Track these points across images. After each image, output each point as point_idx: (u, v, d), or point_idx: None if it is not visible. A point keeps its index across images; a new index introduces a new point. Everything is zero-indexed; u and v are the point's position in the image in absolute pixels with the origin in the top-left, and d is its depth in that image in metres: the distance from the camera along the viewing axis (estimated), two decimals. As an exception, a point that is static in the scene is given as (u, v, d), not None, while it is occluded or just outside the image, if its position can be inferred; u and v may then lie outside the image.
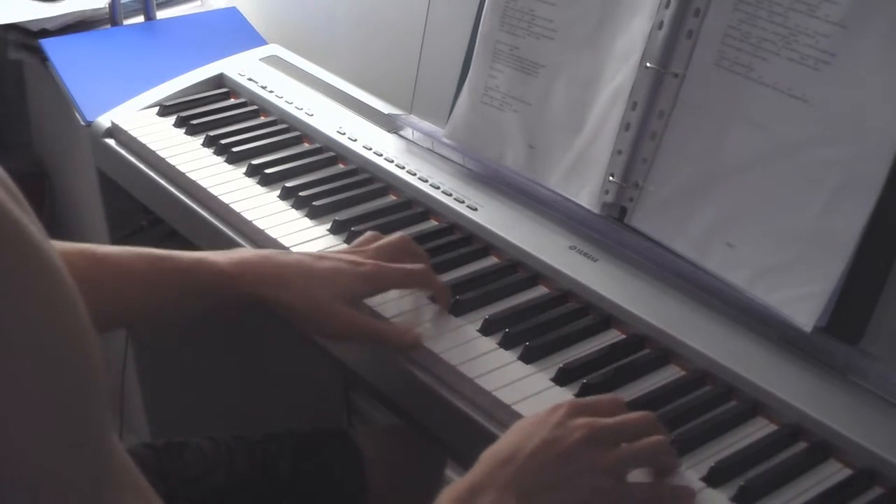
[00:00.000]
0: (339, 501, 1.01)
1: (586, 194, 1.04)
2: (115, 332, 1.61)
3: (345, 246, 1.05)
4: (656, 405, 0.85)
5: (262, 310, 0.91)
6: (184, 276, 0.89)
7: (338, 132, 1.26)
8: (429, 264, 0.96)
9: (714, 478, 0.78)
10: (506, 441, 0.72)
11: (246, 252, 0.93)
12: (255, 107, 1.37)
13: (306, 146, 1.27)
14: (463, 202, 1.11)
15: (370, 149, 1.22)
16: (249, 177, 1.20)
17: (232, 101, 1.39)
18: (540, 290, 1.01)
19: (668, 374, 0.90)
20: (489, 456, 0.71)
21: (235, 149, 1.24)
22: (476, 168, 1.16)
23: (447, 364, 0.89)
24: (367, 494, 1.02)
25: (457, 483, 0.71)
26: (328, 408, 1.71)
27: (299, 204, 1.13)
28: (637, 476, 0.74)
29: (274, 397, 1.63)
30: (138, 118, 1.33)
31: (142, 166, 1.26)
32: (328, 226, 1.10)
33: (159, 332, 1.58)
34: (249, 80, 1.40)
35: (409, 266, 0.94)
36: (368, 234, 0.99)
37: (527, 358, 0.90)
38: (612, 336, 0.94)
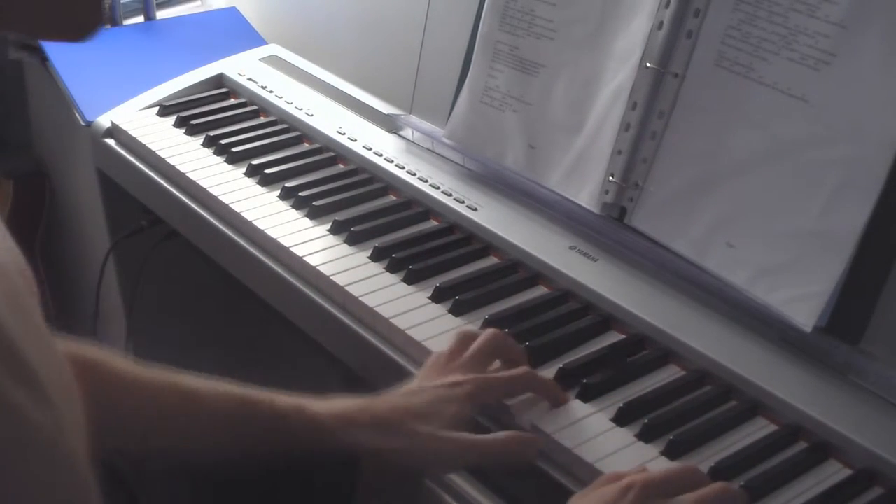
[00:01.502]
0: (330, 484, 1.02)
1: (586, 194, 1.04)
2: (115, 330, 1.62)
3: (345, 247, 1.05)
4: (656, 405, 0.85)
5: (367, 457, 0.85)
6: (276, 422, 0.84)
7: (338, 132, 1.26)
8: (526, 359, 0.89)
9: (714, 478, 0.77)
10: None
11: (346, 403, 0.86)
12: (254, 107, 1.37)
13: (306, 146, 1.27)
14: (463, 202, 1.11)
15: (370, 149, 1.22)
16: (249, 177, 1.20)
17: (232, 101, 1.39)
18: (540, 290, 1.01)
19: (668, 374, 0.90)
20: None
21: (235, 149, 1.24)
22: (476, 168, 1.16)
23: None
24: (358, 476, 1.02)
25: None
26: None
27: (299, 204, 1.13)
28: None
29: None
30: (138, 118, 1.33)
31: (142, 166, 1.26)
32: (328, 226, 1.10)
33: (159, 331, 1.58)
34: (249, 80, 1.40)
35: (511, 373, 0.87)
36: (460, 335, 0.90)
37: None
38: (612, 336, 0.94)
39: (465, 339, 0.89)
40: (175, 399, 0.84)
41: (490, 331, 0.89)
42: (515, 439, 0.82)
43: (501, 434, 0.83)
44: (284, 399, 0.85)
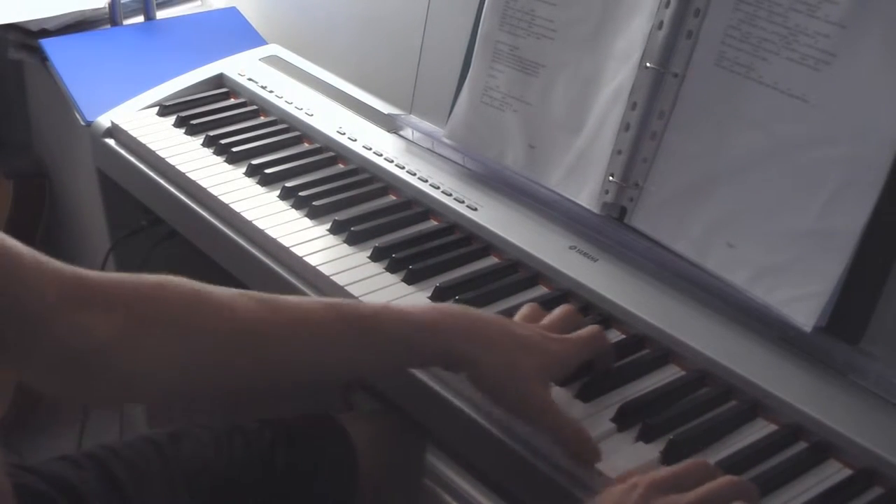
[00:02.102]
0: (331, 484, 1.02)
1: (586, 194, 1.04)
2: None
3: (345, 247, 1.05)
4: (656, 405, 0.85)
5: (450, 370, 0.84)
6: (366, 321, 0.81)
7: (338, 132, 1.26)
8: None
9: (714, 478, 0.78)
10: None
11: (438, 304, 0.84)
12: (254, 107, 1.37)
13: (306, 146, 1.27)
14: (463, 202, 1.11)
15: (370, 149, 1.22)
16: (249, 177, 1.20)
17: (232, 101, 1.39)
18: (540, 290, 1.01)
19: (668, 374, 0.90)
20: None
21: (235, 149, 1.24)
22: (476, 168, 1.16)
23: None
24: (357, 476, 1.02)
25: None
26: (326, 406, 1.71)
27: (299, 204, 1.13)
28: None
29: (272, 397, 1.62)
30: (138, 118, 1.33)
31: (142, 166, 1.26)
32: (328, 226, 1.10)
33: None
34: (249, 80, 1.40)
35: (588, 334, 0.86)
36: (530, 307, 0.90)
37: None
38: (613, 336, 0.94)
39: (535, 311, 0.90)
40: (267, 311, 0.80)
41: (565, 305, 0.90)
42: (580, 437, 0.80)
43: (575, 422, 0.81)
44: (369, 303, 0.82)
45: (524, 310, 0.90)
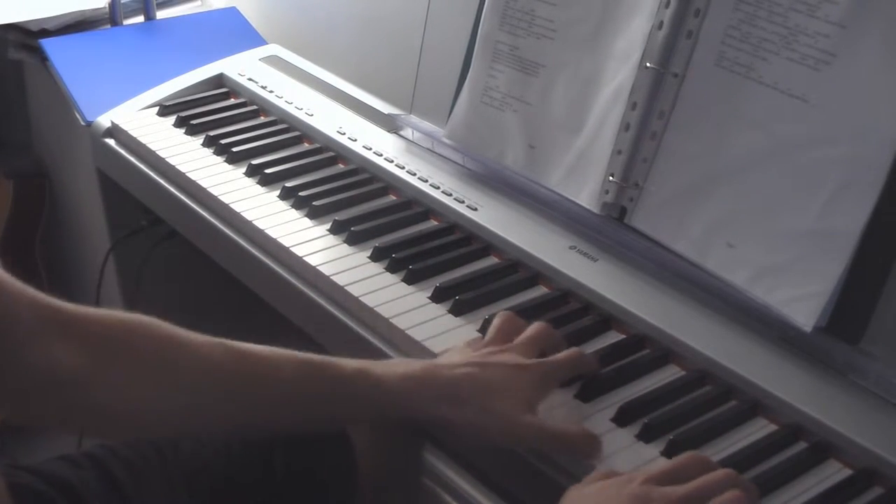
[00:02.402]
0: (330, 484, 1.02)
1: (586, 194, 1.04)
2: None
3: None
4: (656, 405, 0.85)
5: (428, 426, 0.86)
6: (340, 384, 0.83)
7: (338, 132, 1.26)
8: (566, 347, 0.90)
9: (714, 478, 0.78)
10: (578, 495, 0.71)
11: (409, 365, 0.85)
12: (255, 107, 1.37)
13: (306, 146, 1.27)
14: (463, 202, 1.11)
15: (370, 149, 1.22)
16: (249, 177, 1.20)
17: (232, 101, 1.39)
18: (540, 290, 1.01)
19: (668, 374, 0.90)
20: None
21: (235, 149, 1.24)
22: (476, 168, 1.16)
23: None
24: (356, 475, 1.02)
25: None
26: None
27: (299, 204, 1.13)
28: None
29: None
30: (138, 118, 1.33)
31: (142, 166, 1.26)
32: (328, 226, 1.10)
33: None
34: (249, 80, 1.40)
35: (568, 356, 0.87)
36: (501, 320, 0.90)
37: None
38: (612, 336, 0.94)
39: (511, 321, 0.90)
40: (233, 361, 0.81)
41: (539, 323, 0.90)
42: (583, 437, 0.81)
43: (572, 428, 0.82)
44: (347, 361, 0.84)
45: (498, 321, 0.90)
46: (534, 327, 0.89)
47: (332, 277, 1.01)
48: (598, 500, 0.71)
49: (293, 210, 1.13)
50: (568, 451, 0.81)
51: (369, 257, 1.05)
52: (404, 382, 0.83)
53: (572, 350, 0.88)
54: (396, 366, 0.86)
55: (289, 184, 1.16)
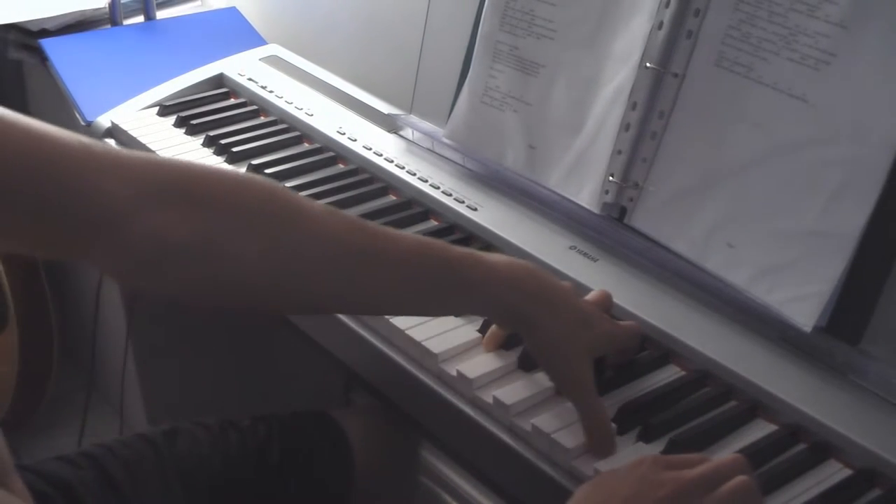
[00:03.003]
0: (326, 479, 1.02)
1: (586, 194, 1.04)
2: (115, 330, 1.62)
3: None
4: (656, 406, 0.85)
5: (508, 326, 0.86)
6: (447, 266, 0.81)
7: (338, 132, 1.26)
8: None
9: (714, 478, 0.78)
10: (588, 499, 0.71)
11: (516, 260, 0.85)
12: (255, 107, 1.37)
13: (306, 146, 1.27)
14: (463, 202, 1.11)
15: (370, 149, 1.22)
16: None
17: (232, 101, 1.39)
18: (540, 290, 1.01)
19: (668, 374, 0.90)
20: None
21: (235, 149, 1.24)
22: (476, 168, 1.16)
23: (447, 366, 0.89)
24: (353, 471, 1.02)
25: None
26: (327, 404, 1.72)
27: (299, 204, 1.13)
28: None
29: (273, 396, 1.63)
30: (138, 118, 1.33)
31: (142, 166, 1.26)
32: (328, 226, 1.09)
33: (159, 331, 1.58)
34: (249, 80, 1.40)
35: (632, 327, 0.89)
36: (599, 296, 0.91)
37: (525, 361, 0.90)
38: (612, 336, 0.94)
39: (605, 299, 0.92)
40: (349, 231, 0.79)
41: (602, 290, 0.92)
42: (605, 428, 0.80)
43: (605, 412, 0.81)
44: (457, 247, 0.83)
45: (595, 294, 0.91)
46: (600, 292, 0.92)
47: (332, 277, 1.01)
48: (608, 487, 0.71)
49: (293, 210, 1.13)
50: (595, 432, 0.80)
51: (369, 257, 1.05)
52: (509, 273, 0.82)
53: (634, 324, 0.90)
54: (503, 257, 0.85)
55: (289, 184, 1.16)
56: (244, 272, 0.76)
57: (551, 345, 0.82)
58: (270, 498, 0.99)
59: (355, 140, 1.24)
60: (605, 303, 0.91)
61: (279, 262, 0.76)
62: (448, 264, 0.82)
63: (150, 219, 0.71)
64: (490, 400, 0.85)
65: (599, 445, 0.80)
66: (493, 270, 0.82)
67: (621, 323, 0.90)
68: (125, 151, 0.74)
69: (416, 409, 0.93)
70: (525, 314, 0.82)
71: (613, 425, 0.82)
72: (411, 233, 0.83)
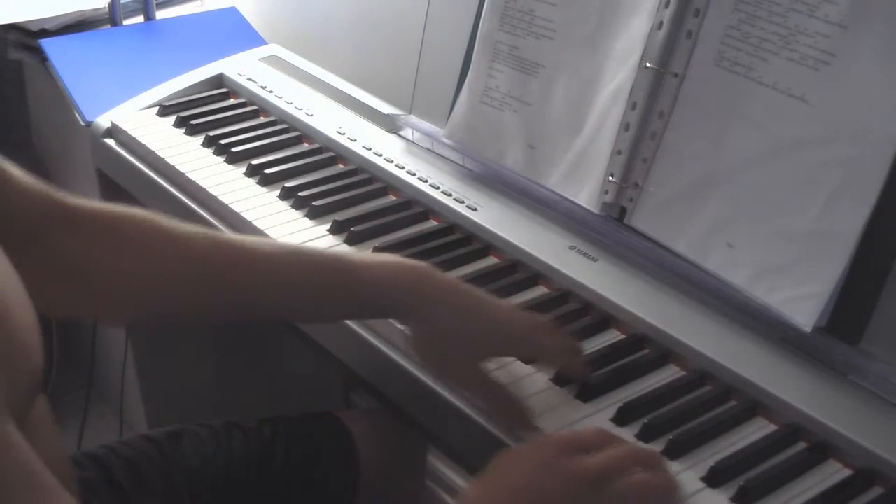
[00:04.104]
0: (331, 482, 1.02)
1: (586, 194, 1.04)
2: (114, 330, 1.61)
3: (345, 247, 1.05)
4: (656, 405, 0.85)
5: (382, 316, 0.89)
6: (315, 268, 0.85)
7: (337, 132, 1.26)
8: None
9: (714, 478, 0.78)
10: (489, 484, 0.70)
11: (390, 257, 0.88)
12: (254, 107, 1.37)
13: (306, 146, 1.27)
14: (463, 202, 1.11)
15: (370, 149, 1.22)
16: (249, 177, 1.20)
17: (232, 101, 1.39)
18: (540, 290, 1.01)
19: (668, 374, 0.90)
20: (473, 499, 0.71)
21: (235, 149, 1.24)
22: (476, 168, 1.16)
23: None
24: (359, 475, 1.02)
25: None
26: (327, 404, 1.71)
27: (299, 204, 1.13)
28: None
29: (274, 394, 1.63)
30: (138, 118, 1.33)
31: (141, 166, 1.26)
32: (328, 226, 1.10)
33: (159, 330, 1.58)
34: (249, 80, 1.40)
35: (558, 345, 0.87)
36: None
37: (526, 360, 0.90)
38: (612, 336, 0.94)
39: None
40: (211, 247, 0.84)
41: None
42: (515, 410, 0.83)
43: (516, 397, 0.83)
44: (330, 251, 0.89)
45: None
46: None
47: (332, 277, 1.01)
48: (503, 472, 0.71)
49: (293, 210, 1.13)
50: (503, 413, 0.83)
51: (369, 257, 1.05)
52: (382, 270, 0.84)
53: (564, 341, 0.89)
54: (378, 257, 0.89)
55: (289, 184, 1.16)
56: (125, 290, 0.83)
57: (428, 338, 0.84)
58: (275, 499, 0.99)
59: (355, 140, 1.24)
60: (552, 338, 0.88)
61: (152, 281, 0.83)
62: (318, 267, 0.85)
63: (55, 241, 0.80)
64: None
65: (517, 424, 0.82)
66: (366, 268, 0.84)
67: (571, 342, 0.88)
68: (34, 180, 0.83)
69: (417, 411, 0.93)
70: (402, 308, 0.84)
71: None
72: (278, 242, 0.90)
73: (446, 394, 0.88)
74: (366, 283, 0.84)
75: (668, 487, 0.72)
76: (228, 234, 0.87)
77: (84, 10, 1.64)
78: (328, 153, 1.25)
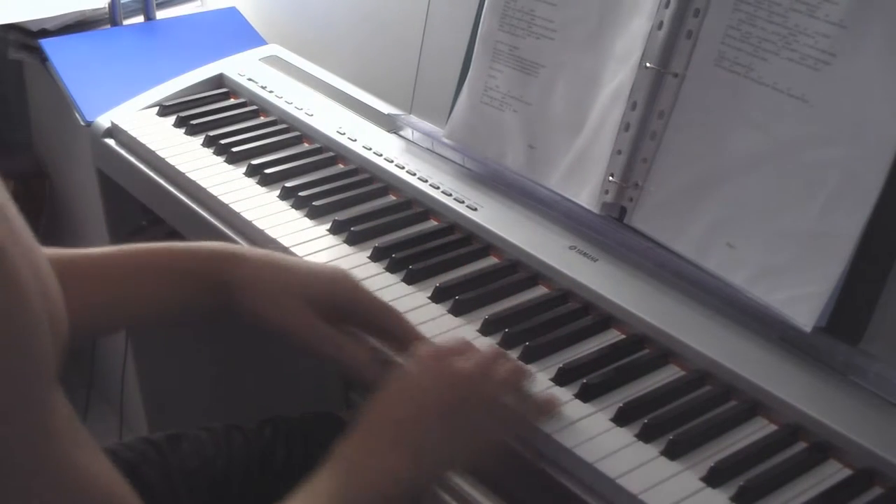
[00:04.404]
0: None
1: (586, 194, 1.04)
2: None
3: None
4: (656, 405, 0.85)
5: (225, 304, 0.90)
6: (174, 261, 0.89)
7: (338, 132, 1.26)
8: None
9: (714, 478, 0.78)
10: (396, 395, 0.78)
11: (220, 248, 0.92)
12: (254, 107, 1.36)
13: (306, 146, 1.27)
14: (463, 202, 1.11)
15: (370, 149, 1.22)
16: (249, 177, 1.20)
17: (232, 101, 1.39)
18: (540, 290, 1.01)
19: (668, 374, 0.90)
20: (380, 413, 0.77)
21: (235, 149, 1.24)
22: (476, 168, 1.16)
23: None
24: None
25: (349, 441, 0.75)
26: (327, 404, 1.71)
27: (299, 204, 1.13)
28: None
29: (274, 394, 1.63)
30: (138, 118, 1.33)
31: (142, 166, 1.26)
32: (328, 226, 1.10)
33: (158, 330, 1.58)
34: (249, 80, 1.40)
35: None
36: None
37: (527, 358, 0.90)
38: (612, 336, 0.94)
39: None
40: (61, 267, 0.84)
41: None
42: (363, 362, 0.88)
43: (357, 350, 0.88)
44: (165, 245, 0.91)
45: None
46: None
47: (332, 277, 1.01)
48: (408, 379, 0.79)
49: (293, 210, 1.13)
50: (343, 367, 0.88)
51: (369, 257, 1.05)
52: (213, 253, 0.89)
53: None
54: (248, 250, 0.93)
55: (289, 184, 1.16)
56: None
57: (257, 301, 0.87)
58: (275, 500, 0.99)
59: (355, 140, 1.24)
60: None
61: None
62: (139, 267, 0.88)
63: None
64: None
65: (363, 374, 0.87)
66: (189, 257, 0.89)
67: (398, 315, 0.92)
68: None
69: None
70: (223, 286, 0.87)
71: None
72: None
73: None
74: (191, 270, 0.88)
75: (522, 373, 0.83)
76: (72, 252, 0.88)
77: (84, 10, 1.64)
78: (328, 153, 1.25)
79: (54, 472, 0.57)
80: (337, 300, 0.89)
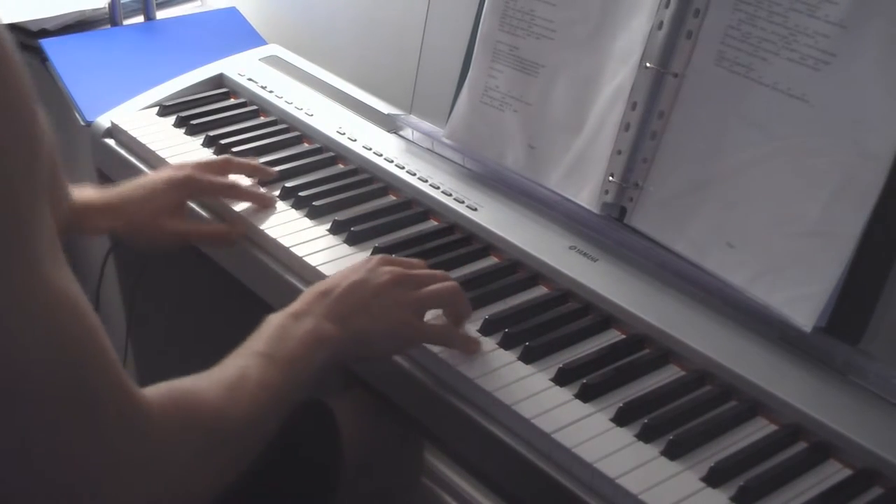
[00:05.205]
0: (313, 470, 1.01)
1: (586, 194, 1.04)
2: (114, 330, 1.61)
3: (345, 247, 1.06)
4: (656, 405, 0.85)
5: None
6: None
7: (338, 132, 1.26)
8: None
9: (714, 478, 0.78)
10: (324, 281, 0.88)
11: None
12: (254, 107, 1.36)
13: (306, 146, 1.27)
14: (463, 202, 1.11)
15: (370, 149, 1.22)
16: (249, 177, 1.20)
17: (232, 101, 1.39)
18: (540, 290, 1.01)
19: (668, 374, 0.90)
20: (310, 292, 0.86)
21: (235, 149, 1.24)
22: (476, 168, 1.16)
23: (447, 365, 0.89)
24: (342, 465, 1.02)
25: (279, 312, 0.83)
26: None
27: (299, 204, 1.13)
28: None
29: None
30: (138, 118, 1.33)
31: (142, 166, 1.26)
32: (328, 226, 1.10)
33: (159, 331, 1.58)
34: (249, 80, 1.40)
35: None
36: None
37: (527, 358, 0.90)
38: (612, 336, 0.94)
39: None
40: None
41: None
42: (220, 233, 1.09)
43: (213, 226, 1.09)
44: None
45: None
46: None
47: (332, 277, 1.01)
48: (348, 269, 0.89)
49: (293, 210, 1.13)
50: (206, 243, 1.08)
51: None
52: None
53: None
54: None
55: (289, 184, 1.16)
56: None
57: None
58: (254, 485, 0.99)
59: (355, 140, 1.24)
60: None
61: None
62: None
63: None
64: (489, 399, 0.85)
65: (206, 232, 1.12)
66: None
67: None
68: None
69: (413, 407, 0.93)
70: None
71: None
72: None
73: (460, 404, 0.87)
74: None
75: (466, 303, 0.91)
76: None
77: (84, 10, 1.64)
78: (328, 153, 1.25)
79: (27, 279, 0.59)
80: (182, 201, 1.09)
